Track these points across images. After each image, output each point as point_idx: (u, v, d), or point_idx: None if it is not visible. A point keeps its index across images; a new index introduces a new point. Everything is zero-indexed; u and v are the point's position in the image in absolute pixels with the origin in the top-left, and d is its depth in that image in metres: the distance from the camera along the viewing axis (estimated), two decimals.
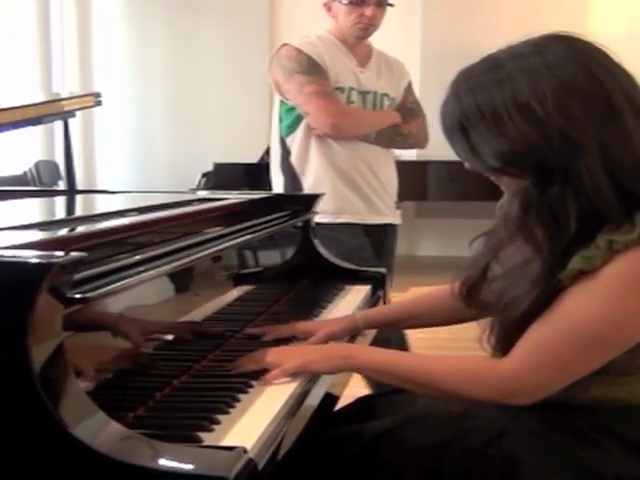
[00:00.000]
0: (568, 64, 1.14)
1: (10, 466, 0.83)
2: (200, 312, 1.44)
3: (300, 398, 1.19)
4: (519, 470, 1.17)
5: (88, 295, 0.95)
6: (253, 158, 5.68)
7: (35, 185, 4.83)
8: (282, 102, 2.60)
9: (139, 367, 1.17)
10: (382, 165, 2.67)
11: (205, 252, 1.41)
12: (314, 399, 1.24)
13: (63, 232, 1.21)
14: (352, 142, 2.57)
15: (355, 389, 1.58)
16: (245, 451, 0.90)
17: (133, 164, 6.42)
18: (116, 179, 6.18)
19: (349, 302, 1.88)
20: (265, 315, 1.69)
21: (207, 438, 0.99)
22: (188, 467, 0.83)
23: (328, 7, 2.61)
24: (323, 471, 1.26)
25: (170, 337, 1.31)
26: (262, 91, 6.51)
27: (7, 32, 5.33)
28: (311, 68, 2.50)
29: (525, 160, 1.16)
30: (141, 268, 1.14)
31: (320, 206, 2.49)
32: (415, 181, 5.66)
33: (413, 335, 2.44)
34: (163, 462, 0.84)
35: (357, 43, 2.62)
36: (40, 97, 2.82)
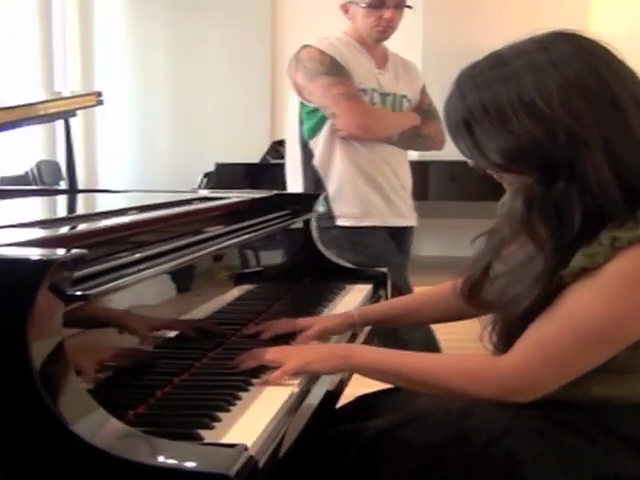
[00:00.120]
0: (573, 61, 1.14)
1: (10, 462, 0.83)
2: (201, 311, 1.44)
3: (301, 396, 1.19)
4: (520, 469, 1.17)
5: (88, 293, 0.95)
6: (254, 158, 5.68)
7: (37, 185, 4.83)
8: (302, 104, 2.57)
9: (140, 365, 1.17)
10: (402, 167, 2.68)
11: (205, 250, 1.41)
12: (315, 397, 1.24)
13: (64, 230, 1.22)
14: (376, 144, 2.56)
15: (355, 388, 1.58)
16: (246, 448, 0.89)
17: (134, 164, 6.42)
18: (117, 179, 6.18)
19: (350, 301, 1.87)
20: (266, 314, 1.69)
21: (208, 436, 0.99)
22: (189, 464, 0.83)
23: (345, 9, 2.59)
24: (323, 469, 1.26)
25: (171, 335, 1.31)
26: (263, 91, 6.54)
27: (9, 31, 5.34)
28: (335, 69, 2.49)
29: (530, 157, 1.15)
30: (142, 266, 1.14)
31: (344, 210, 2.50)
32: (416, 181, 5.63)
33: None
34: (164, 459, 0.84)
35: (374, 45, 2.61)
36: (41, 96, 2.81)
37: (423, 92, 2.74)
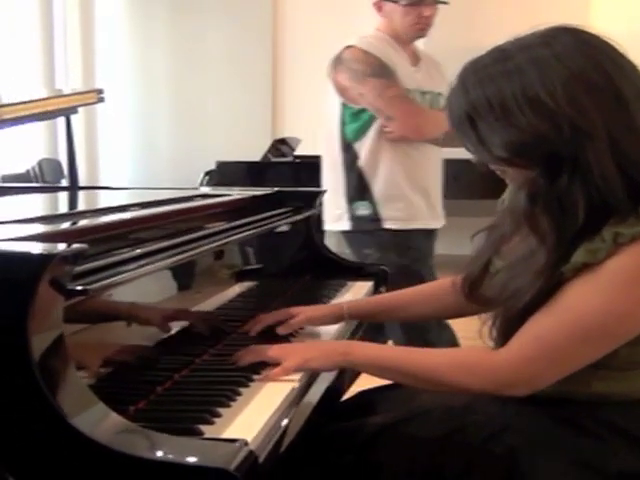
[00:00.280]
0: (577, 55, 1.14)
1: (10, 456, 0.83)
2: (203, 308, 1.44)
3: (302, 392, 1.19)
4: (520, 465, 1.17)
5: (89, 287, 0.95)
6: (256, 156, 5.68)
7: (38, 183, 4.83)
8: (345, 105, 2.53)
9: (140, 361, 1.17)
10: (439, 166, 2.68)
11: (206, 247, 1.41)
12: (316, 393, 1.24)
13: (65, 225, 1.22)
14: (421, 144, 2.55)
15: (355, 385, 1.58)
16: (246, 443, 0.89)
17: (136, 163, 6.42)
18: (119, 177, 6.18)
19: (351, 298, 1.87)
20: (267, 311, 1.68)
21: (208, 431, 0.99)
22: (189, 459, 0.83)
23: (378, 7, 2.56)
24: (324, 465, 1.26)
25: (172, 331, 1.31)
26: (264, 90, 6.54)
27: (10, 30, 5.34)
28: (382, 70, 2.46)
29: (534, 150, 1.15)
30: (142, 262, 1.14)
31: (390, 213, 2.50)
32: None
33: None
34: (164, 454, 0.84)
35: (407, 42, 2.59)
36: (42, 93, 2.82)
37: None
